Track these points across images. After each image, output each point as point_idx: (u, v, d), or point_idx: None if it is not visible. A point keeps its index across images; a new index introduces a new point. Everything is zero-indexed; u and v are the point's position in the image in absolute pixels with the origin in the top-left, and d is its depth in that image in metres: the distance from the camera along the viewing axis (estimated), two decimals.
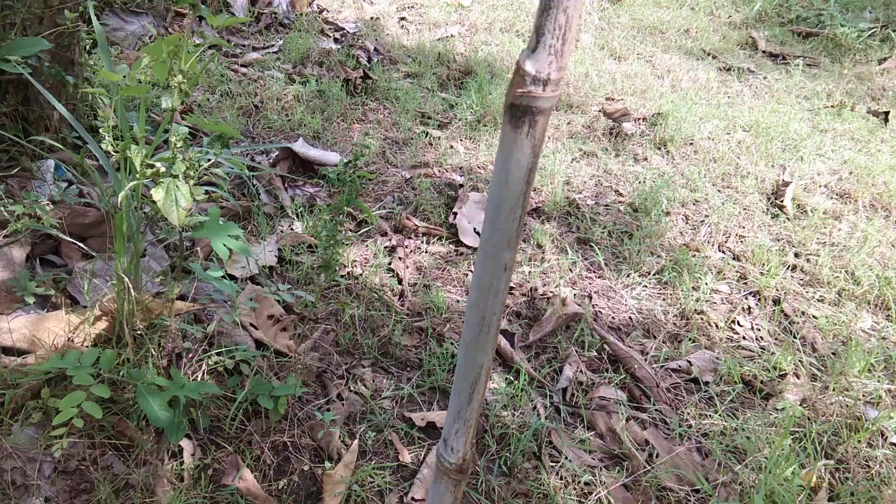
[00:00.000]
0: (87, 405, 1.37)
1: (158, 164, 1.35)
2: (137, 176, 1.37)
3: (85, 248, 1.77)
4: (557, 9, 0.59)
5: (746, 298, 2.33)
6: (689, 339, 2.12)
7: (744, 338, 2.17)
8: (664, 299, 2.28)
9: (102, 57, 1.53)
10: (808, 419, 1.87)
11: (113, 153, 1.36)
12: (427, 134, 3.06)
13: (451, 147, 3.00)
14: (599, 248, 2.46)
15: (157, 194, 1.30)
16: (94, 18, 1.58)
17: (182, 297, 1.84)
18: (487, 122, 3.21)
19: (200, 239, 2.09)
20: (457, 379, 0.83)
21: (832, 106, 3.81)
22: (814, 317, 2.27)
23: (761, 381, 1.99)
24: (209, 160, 1.46)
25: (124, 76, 1.36)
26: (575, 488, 1.62)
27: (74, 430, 1.45)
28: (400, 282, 2.19)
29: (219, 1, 3.75)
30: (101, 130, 1.35)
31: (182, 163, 1.33)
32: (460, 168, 2.85)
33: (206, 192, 1.43)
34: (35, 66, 2.07)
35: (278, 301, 1.94)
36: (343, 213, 1.88)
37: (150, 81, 1.39)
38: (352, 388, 1.79)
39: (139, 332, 1.59)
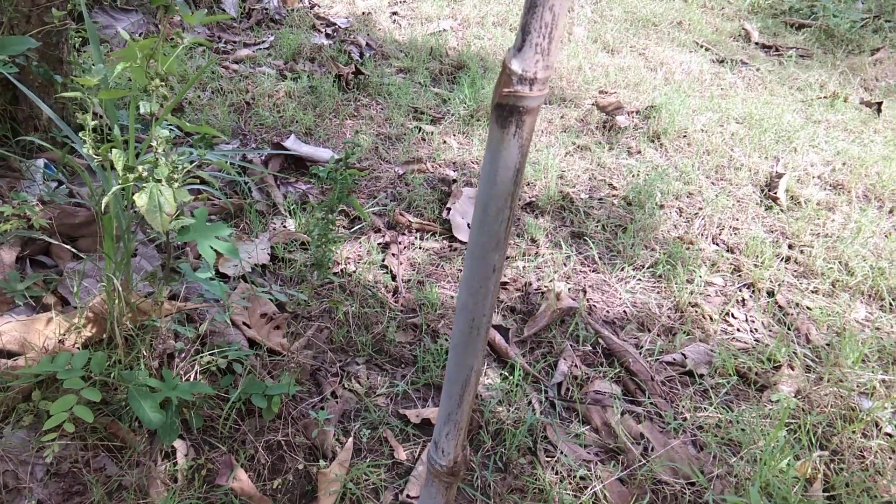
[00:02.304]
0: (79, 409, 1.36)
1: (141, 168, 1.33)
2: (120, 181, 1.36)
3: (74, 249, 1.76)
4: (543, 7, 0.58)
5: (740, 290, 2.33)
6: (684, 332, 2.12)
7: (738, 330, 2.17)
8: (658, 292, 2.28)
9: (94, 55, 1.52)
10: (803, 410, 1.88)
11: (94, 156, 1.34)
12: (420, 129, 3.05)
13: (445, 142, 2.99)
14: (593, 242, 2.46)
15: (140, 200, 1.29)
16: (86, 16, 1.56)
17: (174, 297, 1.83)
18: (481, 117, 3.20)
19: None
20: (447, 382, 0.82)
21: (825, 97, 3.81)
22: (808, 308, 2.27)
23: (756, 373, 1.99)
24: (194, 161, 1.45)
25: (104, 77, 1.35)
26: (570, 483, 1.62)
27: (66, 433, 1.44)
28: (394, 278, 2.18)
29: None
30: (80, 134, 1.34)
31: (165, 166, 1.31)
32: (454, 163, 2.84)
33: (196, 195, 1.42)
34: (23, 66, 2.05)
35: (271, 299, 1.93)
36: (335, 212, 1.87)
37: (136, 81, 1.37)
38: (346, 386, 1.79)
39: (130, 333, 1.58)
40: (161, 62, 1.27)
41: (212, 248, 1.43)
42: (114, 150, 1.30)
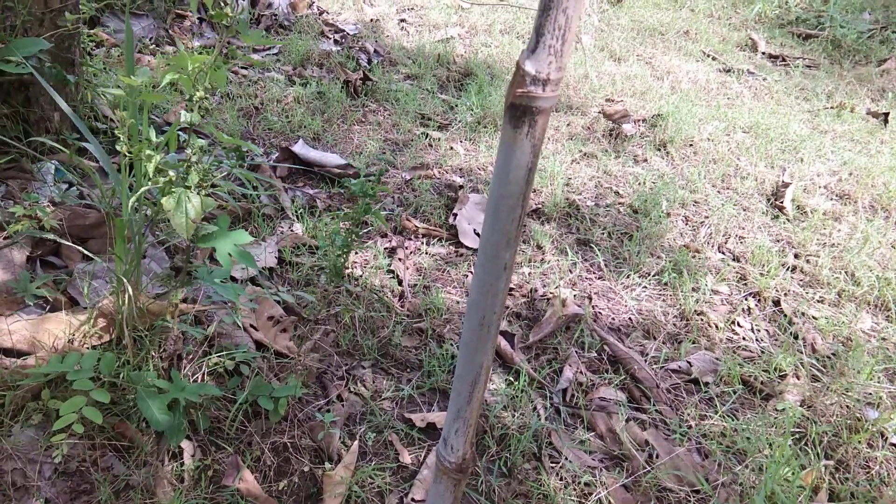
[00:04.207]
0: (88, 410, 1.37)
1: (172, 173, 1.34)
2: (150, 181, 1.37)
3: (84, 250, 1.77)
4: (557, 9, 0.59)
5: (746, 299, 2.33)
6: (689, 340, 2.12)
7: (744, 339, 2.17)
8: (664, 300, 2.28)
9: (126, 59, 1.51)
10: (809, 420, 1.87)
11: (126, 155, 1.36)
12: (427, 135, 3.06)
13: (451, 148, 3.00)
14: (599, 249, 2.46)
15: (168, 203, 1.29)
16: (127, 24, 1.55)
17: (182, 299, 1.84)
18: (487, 124, 3.21)
19: None
20: (457, 379, 0.83)
21: (832, 107, 3.81)
22: (814, 318, 2.27)
23: (761, 382, 1.99)
24: (223, 170, 1.46)
25: (143, 82, 1.36)
26: (575, 489, 1.62)
27: (75, 433, 1.45)
28: (400, 283, 2.19)
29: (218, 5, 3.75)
30: (116, 132, 1.35)
31: (196, 173, 1.33)
32: (460, 169, 2.85)
33: (221, 206, 1.43)
34: (36, 68, 2.07)
35: (278, 302, 1.94)
36: (359, 225, 1.89)
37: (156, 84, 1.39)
38: (352, 389, 1.79)
39: (139, 334, 1.59)
40: (211, 75, 1.28)
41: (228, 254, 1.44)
42: (148, 151, 1.31)
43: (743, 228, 2.69)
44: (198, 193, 1.34)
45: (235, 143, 1.44)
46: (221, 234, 1.48)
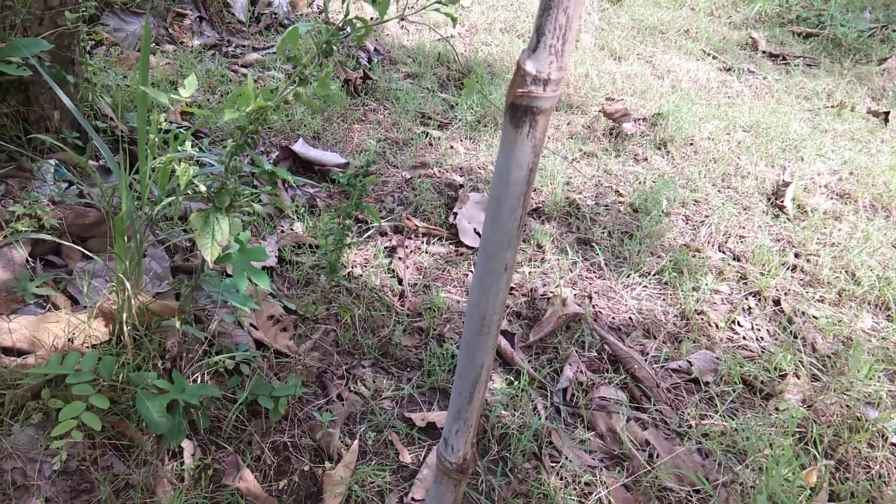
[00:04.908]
0: (87, 416, 1.37)
1: (203, 188, 1.32)
2: (176, 190, 1.36)
3: (84, 249, 1.77)
4: (558, 9, 0.59)
5: (747, 299, 2.33)
6: (690, 340, 2.12)
7: (744, 338, 2.17)
8: (664, 299, 2.28)
9: (142, 65, 1.49)
10: (809, 420, 1.87)
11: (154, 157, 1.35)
12: (427, 134, 3.06)
13: (452, 147, 3.00)
14: (599, 249, 2.46)
15: (196, 222, 1.27)
16: (146, 26, 1.53)
17: (179, 297, 1.83)
18: (488, 123, 3.21)
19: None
20: (457, 379, 0.83)
21: (832, 106, 3.81)
22: (814, 317, 2.27)
23: (761, 382, 1.99)
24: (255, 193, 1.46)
25: (192, 93, 1.35)
26: (575, 488, 1.62)
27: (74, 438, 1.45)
28: (400, 282, 2.19)
29: (219, 1, 3.75)
30: (151, 133, 1.35)
31: (227, 194, 1.31)
32: (460, 168, 2.85)
33: (246, 227, 1.42)
34: (35, 67, 2.06)
35: (279, 302, 1.94)
36: (351, 218, 1.88)
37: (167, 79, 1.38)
38: (352, 389, 1.79)
39: (139, 334, 1.59)
40: (258, 106, 1.29)
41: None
42: (182, 163, 1.30)
43: (743, 228, 2.69)
44: (227, 215, 1.32)
45: (272, 171, 1.42)
46: (239, 252, 1.43)
